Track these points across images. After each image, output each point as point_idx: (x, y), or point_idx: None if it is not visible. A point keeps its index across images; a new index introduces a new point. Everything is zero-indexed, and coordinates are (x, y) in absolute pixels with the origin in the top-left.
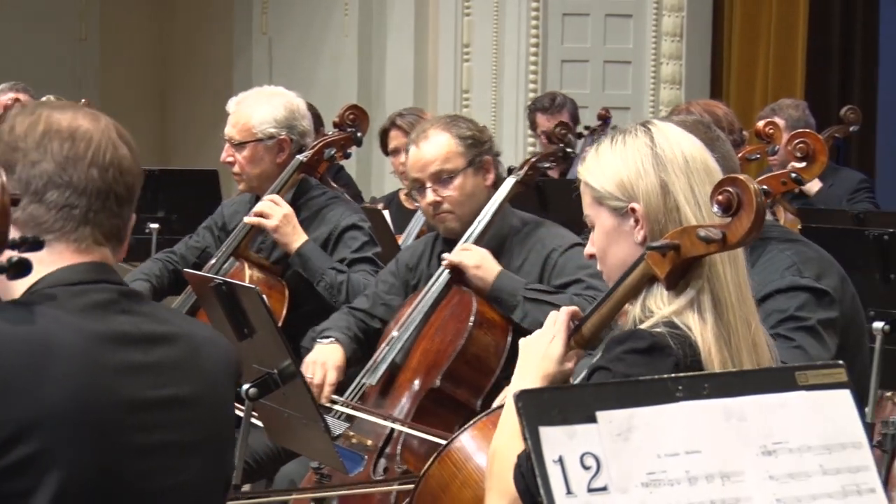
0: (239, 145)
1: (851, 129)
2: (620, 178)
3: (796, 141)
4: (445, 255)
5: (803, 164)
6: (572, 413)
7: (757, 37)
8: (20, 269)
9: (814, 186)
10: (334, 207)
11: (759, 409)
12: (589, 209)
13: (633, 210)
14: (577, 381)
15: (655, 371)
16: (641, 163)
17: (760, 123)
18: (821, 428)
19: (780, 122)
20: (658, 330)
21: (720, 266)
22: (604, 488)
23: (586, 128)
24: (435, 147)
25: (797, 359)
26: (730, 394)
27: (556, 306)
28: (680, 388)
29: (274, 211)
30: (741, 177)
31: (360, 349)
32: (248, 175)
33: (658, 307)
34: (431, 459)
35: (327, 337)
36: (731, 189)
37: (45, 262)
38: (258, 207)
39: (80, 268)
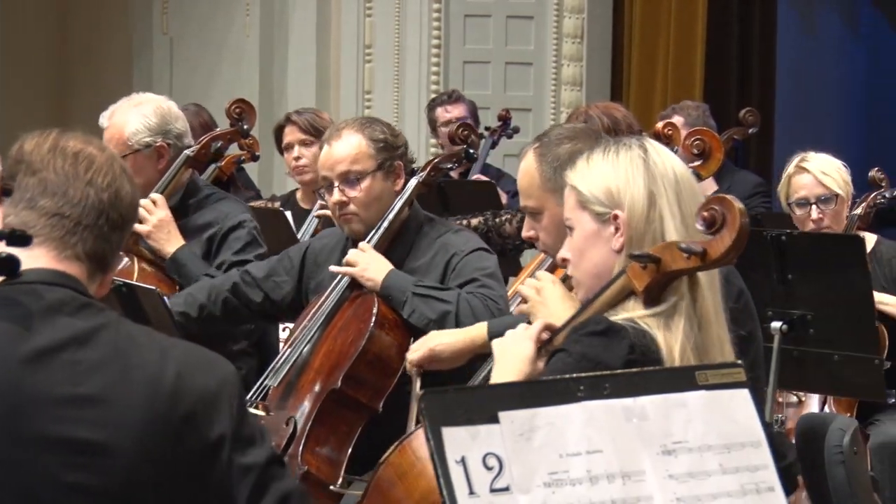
0: None
1: (750, 130)
2: (609, 185)
3: (692, 139)
4: (332, 268)
5: (700, 162)
6: (476, 413)
7: (656, 39)
8: (5, 265)
9: (709, 188)
10: (219, 207)
11: (659, 408)
12: (571, 213)
13: (615, 217)
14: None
15: (610, 351)
16: (632, 172)
17: (659, 124)
18: (720, 427)
19: (679, 119)
20: (619, 321)
21: (699, 288)
22: (506, 488)
23: (487, 128)
24: (346, 147)
25: None
26: (631, 394)
27: (445, 301)
28: (581, 388)
29: (148, 216)
30: (728, 197)
31: (211, 322)
32: None
33: (623, 307)
34: (393, 447)
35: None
36: (716, 207)
37: (23, 262)
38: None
39: (48, 272)
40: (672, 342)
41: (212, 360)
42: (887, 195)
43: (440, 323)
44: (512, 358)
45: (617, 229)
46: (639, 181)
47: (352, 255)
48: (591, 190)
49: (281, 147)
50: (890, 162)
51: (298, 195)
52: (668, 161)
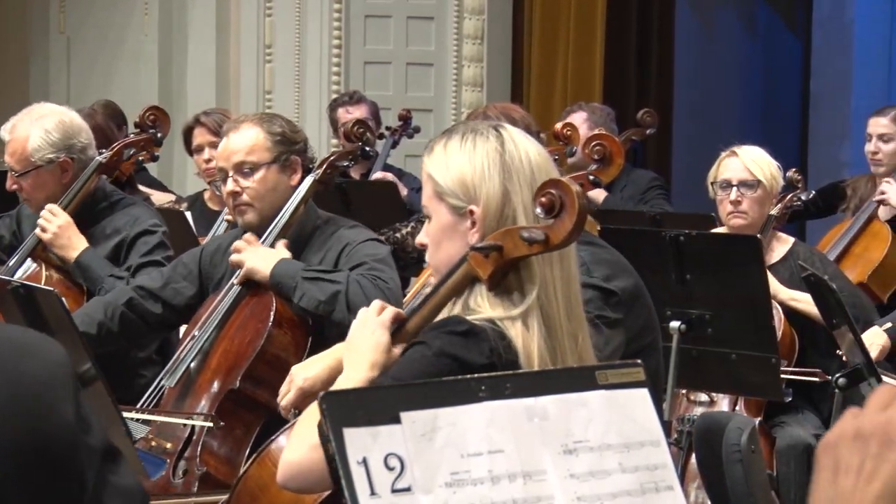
0: (21, 175)
1: (648, 131)
2: (465, 179)
3: (593, 143)
4: (232, 258)
5: (600, 166)
6: (377, 414)
7: (556, 40)
8: None
9: (599, 196)
10: (128, 213)
11: (560, 408)
12: (428, 201)
13: (471, 212)
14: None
15: (469, 351)
16: (488, 167)
17: (558, 125)
18: (620, 426)
19: (583, 115)
20: (479, 322)
21: (552, 282)
22: (408, 489)
23: (387, 128)
24: (243, 138)
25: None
26: (532, 393)
27: (335, 282)
28: (483, 388)
29: (48, 225)
30: (563, 179)
31: (111, 340)
32: (36, 199)
33: (479, 306)
34: (251, 460)
35: None
36: (553, 191)
37: None
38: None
39: None
40: (530, 344)
41: (41, 343)
42: (803, 197)
43: (331, 303)
44: (365, 348)
45: (473, 224)
46: (494, 177)
47: (237, 244)
48: (448, 182)
49: (190, 149)
50: (787, 161)
51: (206, 195)
52: (524, 153)
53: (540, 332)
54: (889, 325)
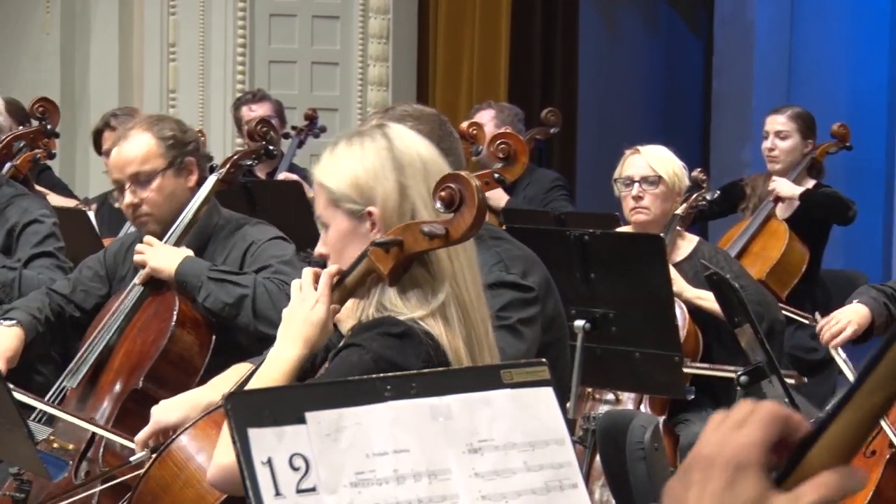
0: None
1: (552, 130)
2: (358, 181)
3: (498, 142)
4: (136, 258)
5: (505, 165)
6: (282, 414)
7: (461, 40)
8: None
9: (500, 201)
10: (17, 203)
11: (465, 407)
12: (324, 210)
13: (369, 213)
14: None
15: (406, 356)
16: (380, 166)
17: (464, 124)
18: (525, 425)
19: (491, 112)
20: (408, 323)
21: (461, 271)
22: (313, 489)
23: (293, 128)
24: (134, 147)
25: (495, 358)
26: (437, 393)
27: (242, 286)
28: (388, 387)
29: None
30: (463, 173)
31: (51, 333)
32: None
33: (395, 306)
34: (152, 460)
35: (10, 318)
36: (453, 185)
37: None
38: None
39: None
40: (455, 340)
41: None
42: (708, 197)
43: (237, 307)
44: (299, 323)
45: (373, 225)
46: (388, 175)
47: (139, 247)
48: (341, 187)
49: (100, 151)
50: (689, 160)
51: (116, 194)
52: (413, 147)
53: (459, 322)
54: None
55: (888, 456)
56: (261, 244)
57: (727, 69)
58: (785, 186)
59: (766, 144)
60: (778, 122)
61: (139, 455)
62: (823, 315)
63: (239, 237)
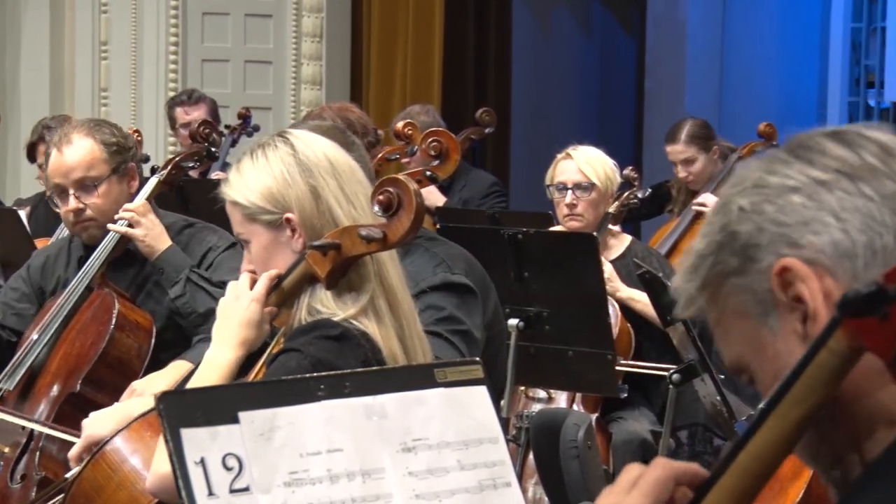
0: None
1: (487, 130)
2: (270, 191)
3: (430, 140)
4: (110, 226)
5: (437, 163)
6: (215, 414)
7: (395, 39)
8: None
9: (438, 201)
10: None
11: (399, 406)
12: (241, 227)
13: (288, 220)
14: (256, 370)
15: (345, 359)
16: (288, 172)
17: (399, 124)
18: (459, 424)
19: (418, 125)
20: (344, 325)
21: (387, 268)
22: (246, 489)
23: (226, 127)
24: (79, 153)
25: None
26: (371, 392)
27: (214, 298)
28: (322, 387)
29: None
30: (401, 178)
31: None
32: None
33: (325, 307)
34: (84, 462)
35: None
36: (391, 189)
37: None
38: None
39: None
40: (388, 336)
41: None
42: (640, 195)
43: (204, 318)
44: (235, 323)
45: (293, 231)
46: (297, 179)
47: (128, 207)
48: (253, 201)
49: (34, 160)
50: (623, 159)
51: (55, 199)
52: (317, 149)
53: (389, 315)
54: None
55: None
56: (220, 252)
57: (659, 68)
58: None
59: (681, 174)
60: (678, 151)
61: (74, 471)
62: None
63: (192, 239)
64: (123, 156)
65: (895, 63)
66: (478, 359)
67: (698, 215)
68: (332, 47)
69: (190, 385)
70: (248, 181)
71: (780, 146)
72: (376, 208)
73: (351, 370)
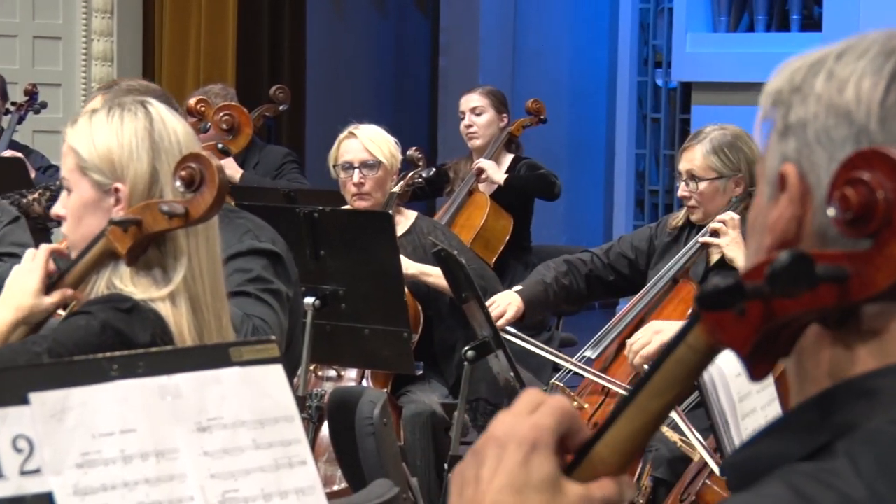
0: None
1: (281, 107)
2: (111, 155)
3: (222, 114)
4: None
5: (230, 137)
6: (4, 395)
7: (188, 15)
8: None
9: (236, 174)
10: None
11: (194, 385)
12: (70, 174)
13: (116, 190)
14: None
15: (133, 328)
16: (137, 146)
17: (192, 100)
18: (254, 403)
19: (210, 102)
20: (137, 300)
21: (196, 259)
22: (37, 471)
23: (13, 103)
24: None
25: (272, 318)
26: (165, 371)
27: None
28: (115, 366)
29: None
30: (203, 153)
31: None
32: None
33: (124, 285)
34: None
35: None
36: (193, 165)
37: None
38: None
39: None
40: (181, 322)
41: None
42: (424, 174)
43: None
44: (14, 289)
45: (118, 202)
46: (143, 156)
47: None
48: (93, 158)
49: None
50: (418, 138)
51: None
52: (172, 131)
53: (188, 310)
54: (520, 288)
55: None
56: (2, 226)
57: (453, 47)
58: (493, 170)
59: (465, 122)
60: (472, 99)
61: None
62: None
63: None
64: None
65: (682, 44)
66: (273, 337)
67: (472, 191)
68: (124, 23)
69: None
70: (94, 135)
71: None
72: (178, 184)
73: (144, 347)
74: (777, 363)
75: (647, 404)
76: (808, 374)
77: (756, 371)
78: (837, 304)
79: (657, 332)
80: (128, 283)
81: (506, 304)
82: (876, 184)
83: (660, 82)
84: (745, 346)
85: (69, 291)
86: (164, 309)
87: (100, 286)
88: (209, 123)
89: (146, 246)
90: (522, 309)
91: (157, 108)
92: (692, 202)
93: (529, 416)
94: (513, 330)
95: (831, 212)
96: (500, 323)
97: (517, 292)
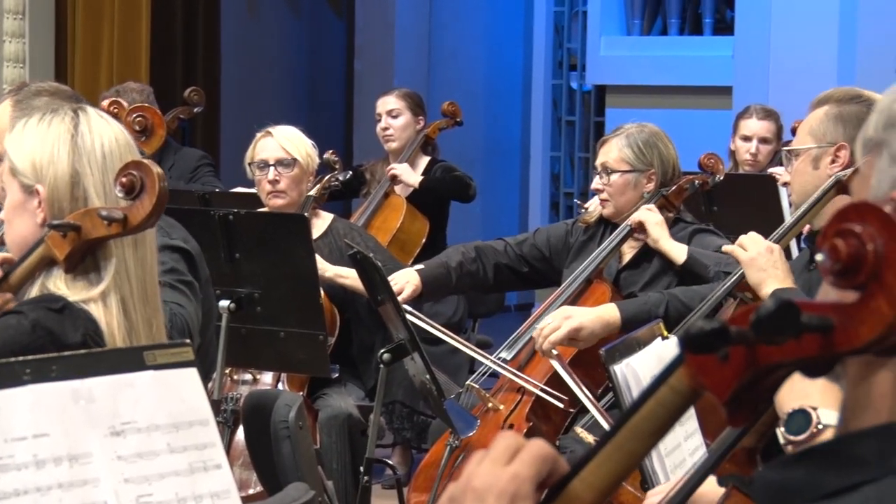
0: None
1: (195, 110)
2: (33, 159)
3: (134, 115)
4: None
5: (143, 139)
6: None
7: (101, 17)
8: None
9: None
10: None
11: (108, 389)
12: (4, 177)
13: (37, 192)
14: None
15: (64, 328)
16: (58, 149)
17: (105, 102)
18: (169, 406)
19: (124, 104)
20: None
21: (125, 265)
22: None
23: None
24: None
25: (188, 304)
26: (79, 375)
27: None
28: (28, 370)
29: None
30: (146, 161)
31: None
32: None
33: (58, 289)
34: None
35: None
36: (134, 172)
37: None
38: None
39: None
40: (112, 322)
41: None
42: (341, 177)
43: None
44: None
45: (39, 203)
46: (63, 158)
47: None
48: (20, 160)
49: None
50: (333, 141)
51: None
52: (98, 137)
53: (118, 311)
54: (421, 266)
55: None
56: None
57: (368, 49)
58: (407, 174)
59: (381, 125)
60: (389, 102)
61: None
62: None
63: None
64: None
65: (596, 47)
66: (188, 341)
67: (388, 193)
68: (36, 24)
69: None
70: (24, 139)
71: None
72: (118, 190)
73: (57, 353)
74: (757, 412)
75: (624, 444)
76: (860, 402)
77: (734, 419)
78: (820, 355)
79: (567, 318)
80: (61, 287)
81: (404, 281)
82: (867, 237)
83: (574, 85)
84: (725, 391)
85: (9, 296)
86: (96, 310)
87: (33, 291)
88: (122, 125)
89: (84, 253)
90: (420, 288)
91: (89, 115)
92: (604, 195)
93: (507, 465)
94: (419, 314)
95: (819, 257)
96: (402, 298)
97: (417, 271)
